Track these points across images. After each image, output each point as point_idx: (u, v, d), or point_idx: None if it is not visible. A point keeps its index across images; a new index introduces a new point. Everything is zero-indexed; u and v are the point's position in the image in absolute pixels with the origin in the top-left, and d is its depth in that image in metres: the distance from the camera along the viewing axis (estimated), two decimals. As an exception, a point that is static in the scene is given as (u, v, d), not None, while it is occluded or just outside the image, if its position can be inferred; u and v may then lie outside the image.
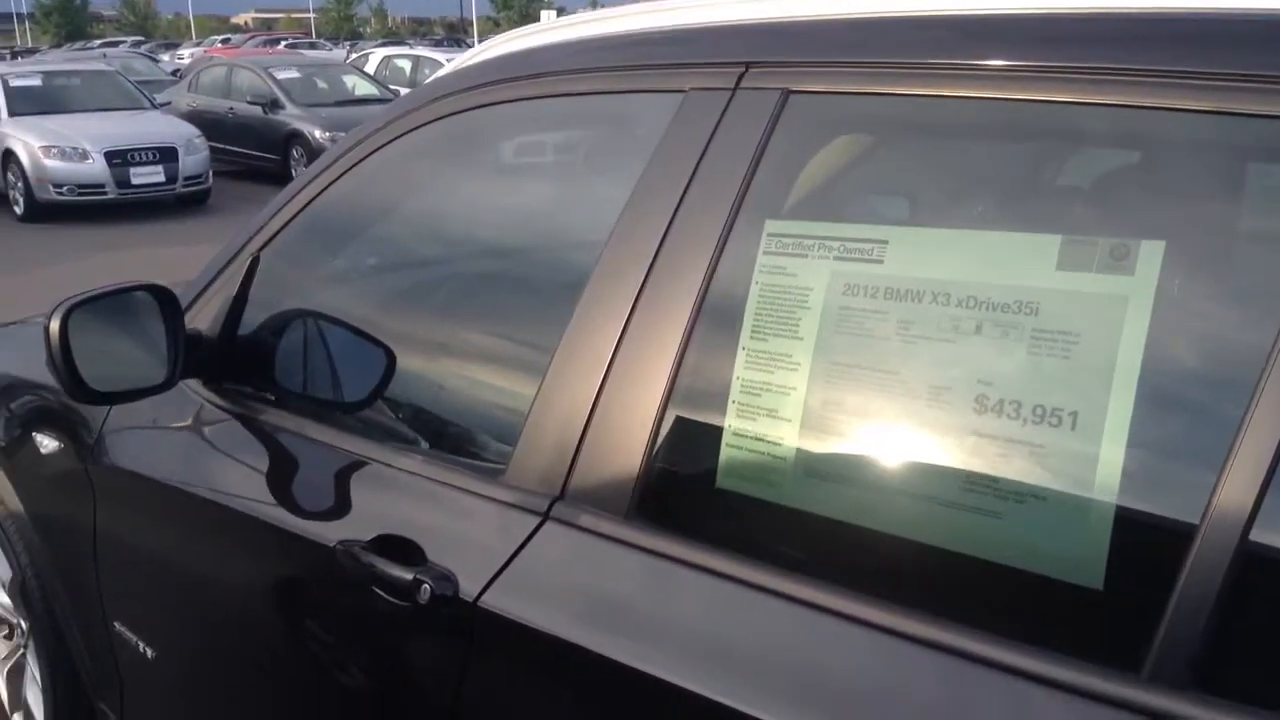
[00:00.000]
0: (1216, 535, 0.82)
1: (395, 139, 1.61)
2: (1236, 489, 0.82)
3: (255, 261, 1.75)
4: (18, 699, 2.53)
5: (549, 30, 1.56)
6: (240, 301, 1.74)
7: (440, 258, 1.85)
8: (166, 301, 1.67)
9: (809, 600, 1.00)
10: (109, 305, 1.66)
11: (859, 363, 1.03)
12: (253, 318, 1.74)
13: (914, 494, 0.99)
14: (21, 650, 2.48)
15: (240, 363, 1.72)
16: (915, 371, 1.00)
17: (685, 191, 1.20)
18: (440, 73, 1.67)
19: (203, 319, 1.79)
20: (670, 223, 1.20)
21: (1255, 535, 0.81)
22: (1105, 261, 0.91)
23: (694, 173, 1.19)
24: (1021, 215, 1.05)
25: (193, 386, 1.77)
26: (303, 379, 1.67)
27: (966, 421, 0.96)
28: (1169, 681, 0.82)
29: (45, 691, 2.35)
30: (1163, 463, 0.90)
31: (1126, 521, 0.87)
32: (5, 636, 2.57)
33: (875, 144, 1.21)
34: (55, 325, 1.55)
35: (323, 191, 1.70)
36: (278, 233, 1.77)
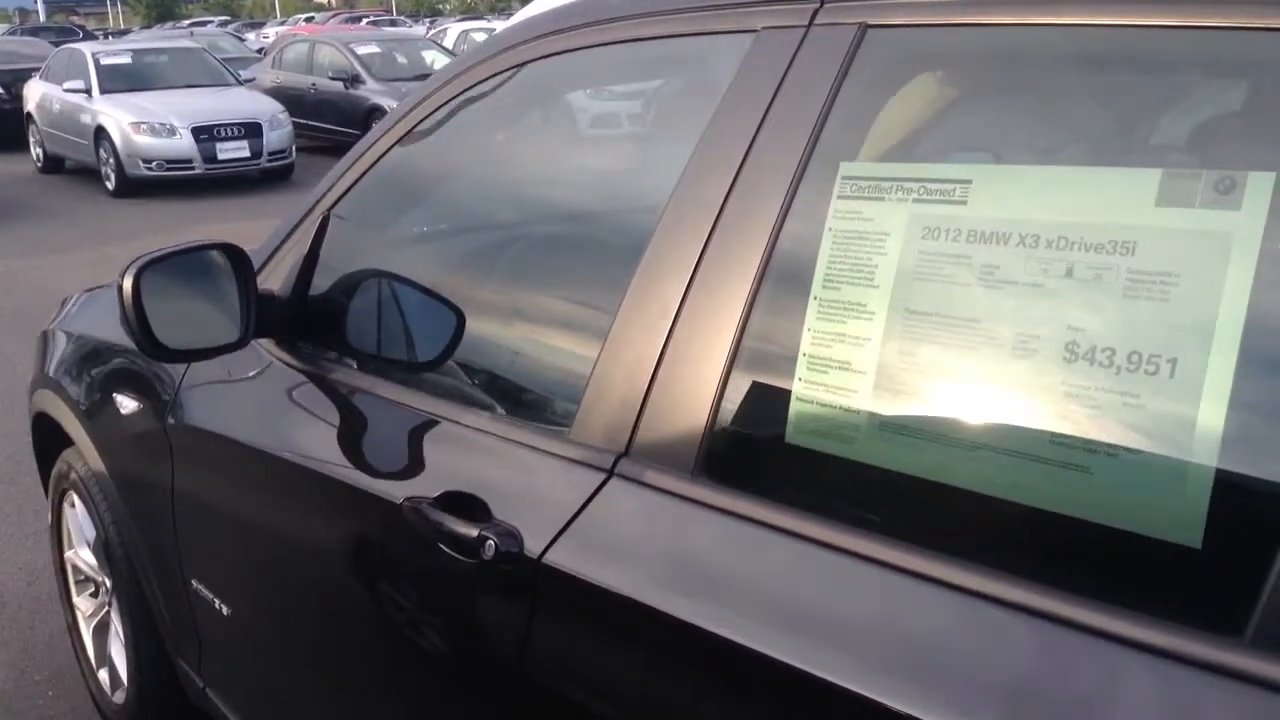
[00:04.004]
0: None
1: (460, 94, 1.58)
2: None
3: (326, 221, 1.75)
4: (104, 655, 2.59)
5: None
6: (311, 261, 1.74)
7: (504, 212, 1.82)
8: (239, 261, 1.68)
9: (882, 559, 0.96)
10: (182, 264, 1.67)
11: (938, 310, 0.97)
12: (324, 277, 1.74)
13: (997, 448, 0.93)
14: (107, 607, 2.54)
15: (311, 322, 1.72)
16: (999, 318, 0.94)
17: (755, 136, 1.15)
18: (508, 23, 1.64)
19: (275, 279, 1.80)
20: (739, 169, 1.15)
21: None
22: (1209, 196, 0.84)
23: (764, 116, 1.14)
24: (1117, 149, 0.98)
25: (265, 346, 1.78)
26: (372, 338, 1.66)
27: (1055, 371, 0.90)
28: (1274, 646, 0.76)
29: (128, 648, 2.40)
30: (1268, 412, 0.83)
31: (1228, 475, 0.80)
32: (92, 594, 2.63)
33: (957, 78, 1.15)
34: (129, 283, 1.56)
35: (390, 149, 1.68)
36: (347, 191, 1.76)
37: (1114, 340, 0.87)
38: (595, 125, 2.02)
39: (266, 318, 1.70)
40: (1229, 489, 0.80)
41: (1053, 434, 0.89)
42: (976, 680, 0.88)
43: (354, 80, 13.10)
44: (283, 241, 1.85)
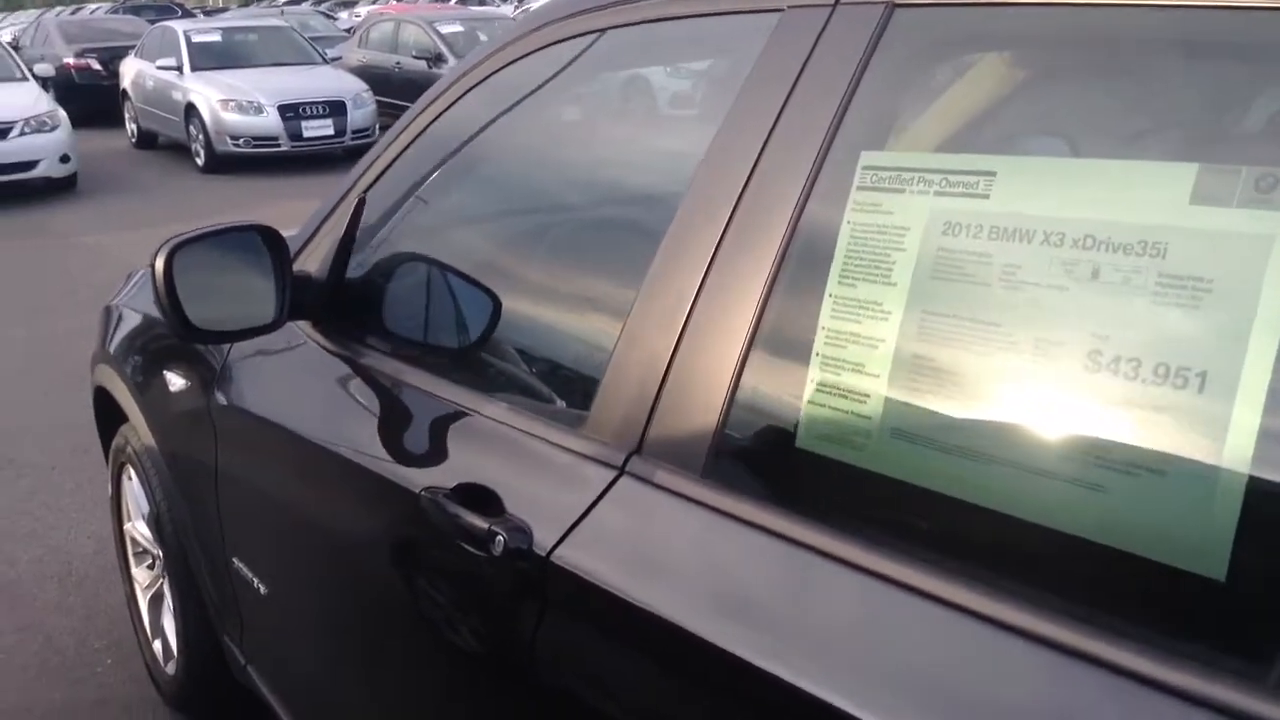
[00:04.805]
0: None
1: (486, 78, 1.55)
2: None
3: (362, 203, 1.73)
4: (158, 626, 2.64)
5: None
6: (347, 243, 1.72)
7: (527, 196, 1.79)
8: (274, 242, 1.67)
9: (884, 574, 0.90)
10: (216, 245, 1.67)
11: (956, 312, 0.91)
12: (360, 259, 1.73)
13: (1011, 462, 0.87)
14: (161, 580, 2.58)
15: (346, 305, 1.71)
16: (1020, 322, 0.87)
17: (775, 123, 1.09)
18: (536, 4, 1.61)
19: (312, 261, 1.79)
20: (758, 158, 1.09)
21: None
22: (1249, 194, 0.76)
23: (786, 101, 1.09)
24: (1151, 141, 0.90)
25: (302, 328, 1.78)
26: (403, 323, 1.64)
27: (1076, 381, 0.83)
28: None
29: (177, 621, 2.44)
30: None
31: (1258, 502, 0.73)
32: (149, 566, 2.68)
33: (986, 63, 1.07)
34: (160, 263, 1.56)
35: (422, 133, 1.66)
36: (383, 173, 1.74)
37: (1141, 350, 0.80)
38: (610, 86, 1.95)
39: (302, 299, 1.69)
40: (1259, 518, 0.73)
41: (1069, 448, 0.83)
42: (976, 707, 0.82)
43: (437, 59, 13.16)
44: (321, 223, 1.84)
